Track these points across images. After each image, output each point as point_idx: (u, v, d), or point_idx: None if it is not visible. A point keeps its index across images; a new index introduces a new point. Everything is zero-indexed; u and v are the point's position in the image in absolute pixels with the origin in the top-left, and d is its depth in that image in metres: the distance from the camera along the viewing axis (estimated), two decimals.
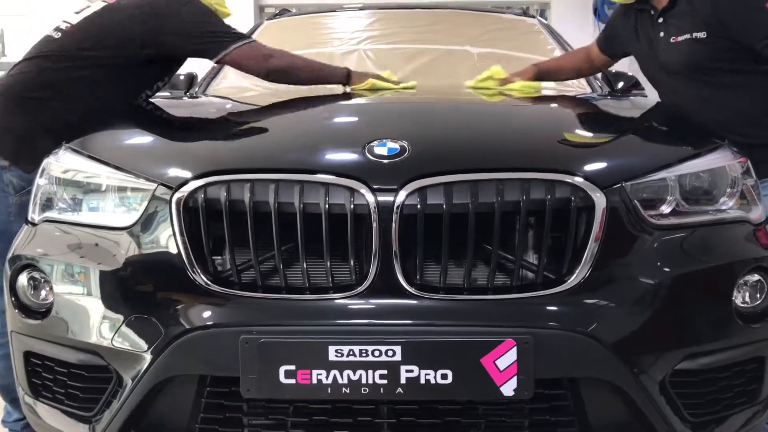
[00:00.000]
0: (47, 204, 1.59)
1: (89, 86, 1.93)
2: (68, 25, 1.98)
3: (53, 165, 1.61)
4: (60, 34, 1.96)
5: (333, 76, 2.06)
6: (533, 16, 3.29)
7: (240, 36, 2.01)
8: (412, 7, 3.29)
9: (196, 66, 3.31)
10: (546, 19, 5.11)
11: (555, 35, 3.05)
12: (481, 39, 2.91)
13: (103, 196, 1.52)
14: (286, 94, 2.02)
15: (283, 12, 3.40)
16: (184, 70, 3.16)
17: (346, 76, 2.05)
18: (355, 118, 1.78)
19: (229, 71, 2.77)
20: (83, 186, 1.55)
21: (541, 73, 2.30)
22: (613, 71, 2.86)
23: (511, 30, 3.11)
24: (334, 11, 3.23)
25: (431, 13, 3.18)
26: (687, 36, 1.96)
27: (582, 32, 6.54)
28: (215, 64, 2.91)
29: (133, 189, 1.48)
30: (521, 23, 3.17)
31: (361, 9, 3.25)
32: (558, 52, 2.88)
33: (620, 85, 2.72)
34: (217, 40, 1.97)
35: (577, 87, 2.61)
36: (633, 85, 2.75)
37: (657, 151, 1.58)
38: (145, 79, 2.07)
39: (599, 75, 2.80)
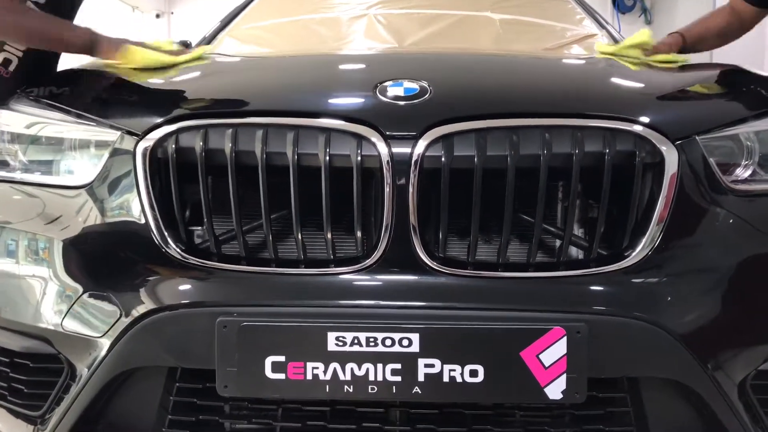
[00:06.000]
0: None
1: None
2: None
3: (2, 115, 1.36)
4: None
5: (68, 41, 1.51)
6: None
7: None
8: None
9: (190, 35, 3.09)
10: None
11: (583, 5, 2.81)
12: (503, 5, 2.68)
13: (57, 149, 1.28)
14: None
15: None
16: (177, 38, 2.95)
17: (88, 43, 1.51)
18: (364, 59, 1.52)
19: (224, 37, 2.53)
20: (34, 138, 1.31)
21: (689, 41, 1.89)
22: None
23: None
24: None
25: None
26: None
27: None
28: (206, 34, 2.68)
29: (93, 140, 1.24)
30: None
31: None
32: (588, 22, 2.65)
33: None
34: None
35: None
36: None
37: (731, 102, 1.32)
38: None
39: None
